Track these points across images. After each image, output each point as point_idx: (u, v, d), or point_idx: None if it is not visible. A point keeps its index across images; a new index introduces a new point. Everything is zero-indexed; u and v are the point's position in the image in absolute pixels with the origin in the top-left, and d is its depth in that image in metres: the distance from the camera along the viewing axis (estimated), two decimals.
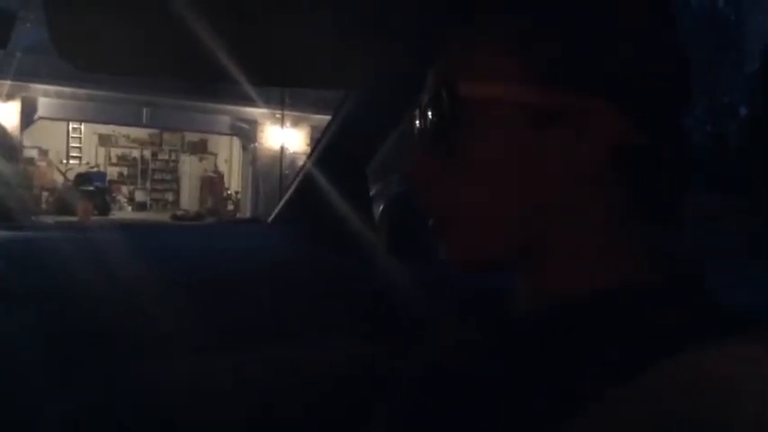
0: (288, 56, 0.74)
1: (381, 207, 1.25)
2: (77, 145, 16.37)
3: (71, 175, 14.78)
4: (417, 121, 0.57)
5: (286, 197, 1.36)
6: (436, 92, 0.53)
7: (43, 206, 13.80)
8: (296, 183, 1.34)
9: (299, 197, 1.32)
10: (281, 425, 1.00)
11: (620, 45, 0.50)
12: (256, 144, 13.77)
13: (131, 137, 17.29)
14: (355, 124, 1.23)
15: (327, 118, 1.28)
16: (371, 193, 1.30)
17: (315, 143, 1.34)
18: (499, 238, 0.53)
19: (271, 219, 1.37)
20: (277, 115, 13.09)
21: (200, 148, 18.15)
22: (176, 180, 18.34)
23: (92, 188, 14.35)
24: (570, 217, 0.51)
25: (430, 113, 0.54)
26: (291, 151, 13.32)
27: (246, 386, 0.99)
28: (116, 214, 15.51)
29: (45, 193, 14.53)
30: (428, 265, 0.58)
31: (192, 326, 0.96)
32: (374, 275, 1.10)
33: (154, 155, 17.96)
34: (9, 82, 10.08)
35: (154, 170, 18.01)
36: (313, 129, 13.26)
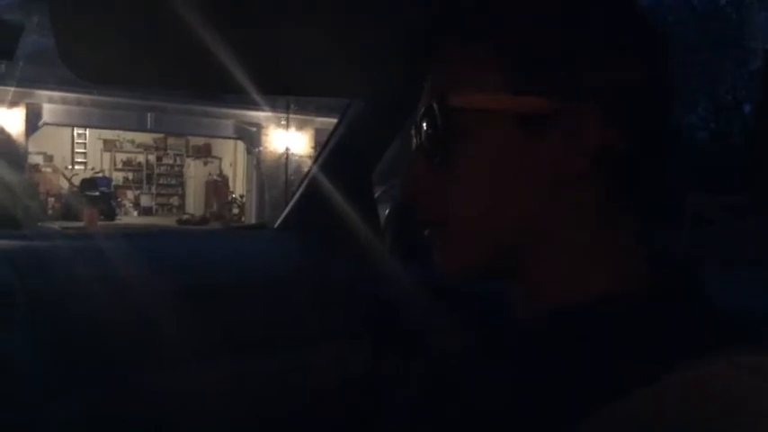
0: (293, 66, 0.75)
1: (387, 211, 1.26)
2: (82, 150, 16.41)
3: (76, 181, 14.83)
4: (413, 133, 0.58)
5: (292, 202, 1.36)
6: (429, 104, 0.54)
7: (49, 212, 13.84)
8: (302, 188, 1.35)
9: (306, 202, 1.32)
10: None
11: (601, 50, 0.51)
12: (261, 148, 13.79)
13: (136, 142, 17.33)
14: (361, 128, 1.23)
15: (331, 121, 1.29)
16: (377, 196, 1.31)
17: (319, 147, 1.34)
18: (493, 244, 0.54)
19: (277, 224, 1.38)
20: (282, 122, 13.11)
21: (205, 153, 18.18)
22: (181, 184, 18.37)
23: (97, 193, 14.38)
24: (561, 222, 0.52)
25: (424, 125, 0.55)
26: (296, 155, 13.34)
27: (253, 393, 1.00)
28: (122, 219, 15.54)
29: (51, 199, 14.57)
30: (432, 270, 0.58)
31: (198, 334, 0.96)
32: (380, 281, 1.10)
33: (158, 159, 18.00)
34: (13, 89, 10.11)
35: (159, 175, 18.05)
36: (317, 132, 13.28)
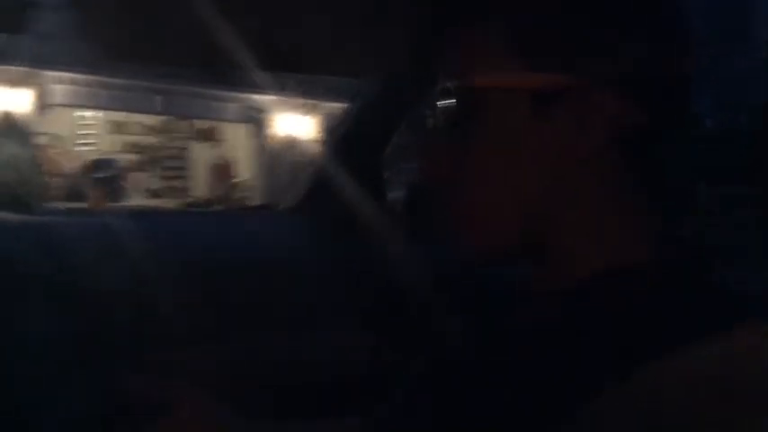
0: (303, 42, 0.75)
1: (404, 194, 1.25)
2: (90, 132, 16.38)
3: (83, 163, 14.81)
4: (429, 116, 0.58)
5: (300, 185, 1.36)
6: (444, 84, 0.54)
7: (55, 193, 13.84)
8: (310, 171, 1.35)
9: (314, 185, 1.33)
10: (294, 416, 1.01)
11: (618, 26, 0.51)
12: (267, 131, 13.76)
13: (143, 124, 17.27)
14: (371, 111, 1.23)
15: (339, 106, 1.29)
16: (387, 179, 1.30)
17: (327, 131, 1.34)
18: (512, 223, 0.54)
19: (283, 206, 1.38)
20: (290, 106, 13.07)
21: (211, 136, 18.13)
22: (187, 167, 18.33)
23: (104, 175, 14.35)
24: (576, 199, 0.52)
25: (439, 105, 0.55)
26: (302, 138, 13.30)
27: (256, 377, 1.00)
28: (128, 201, 15.54)
29: (57, 180, 14.56)
30: (446, 253, 0.59)
31: (202, 315, 0.97)
32: (389, 265, 1.10)
33: (165, 142, 17.96)
34: (22, 69, 10.09)
35: (165, 157, 18.01)
36: (325, 116, 13.23)
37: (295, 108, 13.66)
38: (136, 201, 16.18)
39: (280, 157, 13.92)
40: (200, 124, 17.11)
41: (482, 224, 0.57)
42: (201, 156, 17.69)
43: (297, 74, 11.88)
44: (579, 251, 0.54)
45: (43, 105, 12.03)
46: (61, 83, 11.88)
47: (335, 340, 1.05)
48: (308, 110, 13.62)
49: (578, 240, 0.54)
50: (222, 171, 17.42)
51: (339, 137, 1.29)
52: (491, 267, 0.64)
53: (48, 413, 0.80)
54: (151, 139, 17.60)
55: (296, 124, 13.64)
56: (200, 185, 17.50)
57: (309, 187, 1.33)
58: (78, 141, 15.89)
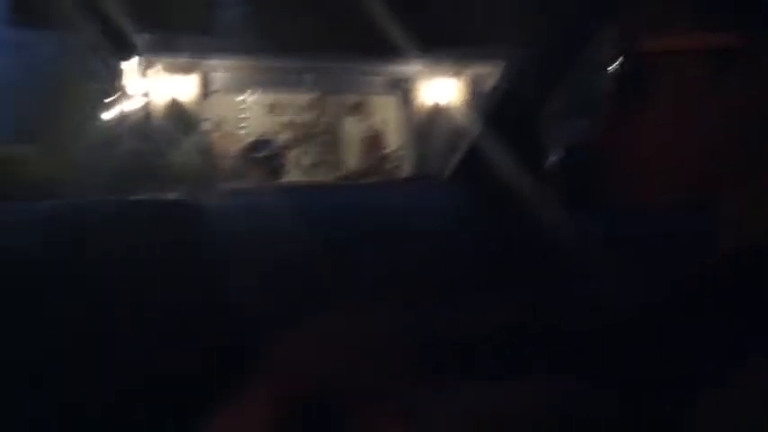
0: (454, 14, 0.74)
1: (561, 158, 1.23)
2: (248, 115, 17.37)
3: (244, 144, 15.73)
4: (601, 80, 0.57)
5: (452, 153, 1.37)
6: (617, 49, 0.54)
7: (221, 174, 14.82)
8: (462, 139, 1.35)
9: (467, 153, 1.33)
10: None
11: None
12: (414, 101, 13.91)
13: (296, 103, 18.06)
14: (526, 77, 1.21)
15: (485, 72, 1.28)
16: (545, 143, 1.28)
17: (475, 97, 1.34)
18: (686, 186, 0.53)
19: (438, 176, 1.39)
20: (435, 72, 13.12)
21: (359, 109, 18.59)
22: (338, 142, 18.96)
23: (264, 155, 15.19)
24: (750, 159, 0.50)
25: (613, 69, 0.55)
26: (449, 107, 13.30)
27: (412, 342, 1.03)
28: (287, 178, 16.36)
29: (222, 162, 15.58)
30: (611, 217, 0.58)
31: (371, 280, 1.00)
32: (547, 229, 1.09)
33: (317, 119, 18.65)
34: (188, 59, 10.95)
35: (318, 133, 18.72)
36: (471, 84, 13.14)
37: (441, 77, 13.69)
38: (294, 176, 17.00)
39: (428, 126, 14.03)
40: (350, 99, 17.64)
41: (654, 187, 0.56)
42: (352, 129, 18.27)
43: (447, 46, 11.90)
44: (760, 214, 0.52)
45: (207, 92, 12.91)
46: (223, 70, 12.72)
47: (493, 310, 1.05)
48: (455, 78, 13.59)
49: (753, 199, 0.52)
50: (372, 143, 17.85)
51: (493, 104, 1.28)
52: (656, 232, 0.62)
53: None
54: (305, 117, 18.40)
55: (442, 93, 13.67)
56: (352, 158, 18.11)
57: (464, 156, 1.33)
58: (239, 124, 16.95)
